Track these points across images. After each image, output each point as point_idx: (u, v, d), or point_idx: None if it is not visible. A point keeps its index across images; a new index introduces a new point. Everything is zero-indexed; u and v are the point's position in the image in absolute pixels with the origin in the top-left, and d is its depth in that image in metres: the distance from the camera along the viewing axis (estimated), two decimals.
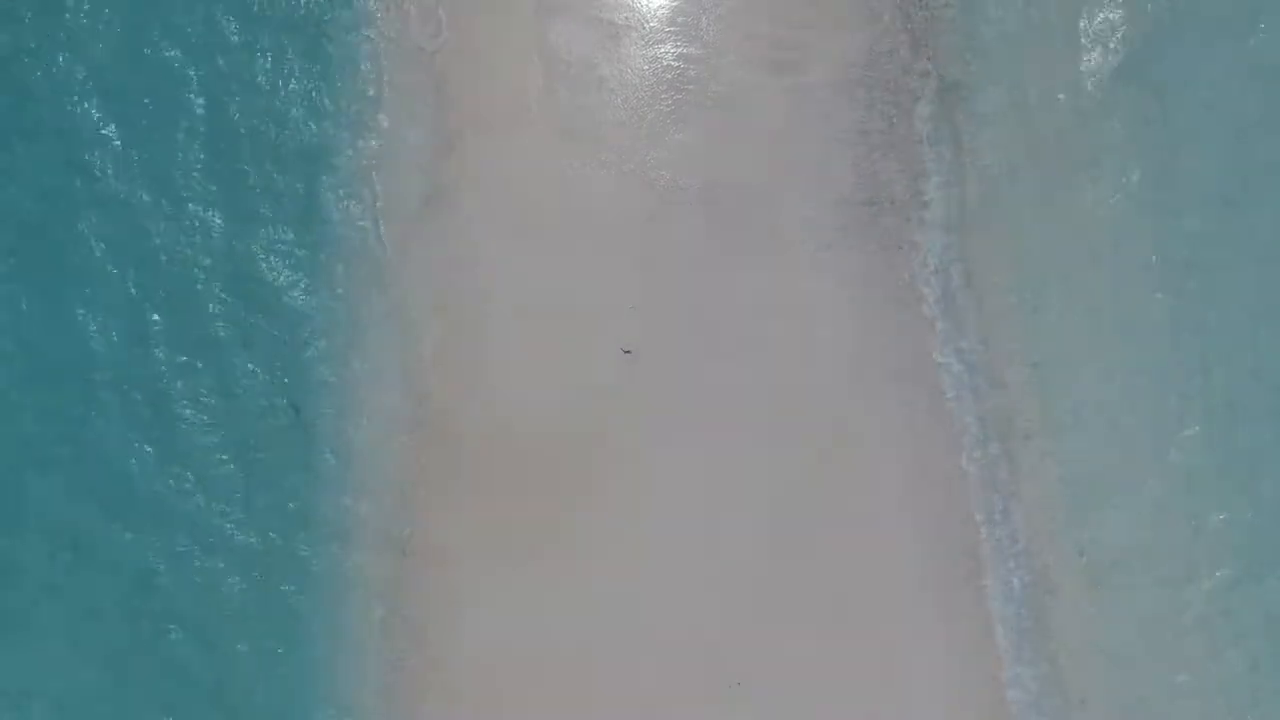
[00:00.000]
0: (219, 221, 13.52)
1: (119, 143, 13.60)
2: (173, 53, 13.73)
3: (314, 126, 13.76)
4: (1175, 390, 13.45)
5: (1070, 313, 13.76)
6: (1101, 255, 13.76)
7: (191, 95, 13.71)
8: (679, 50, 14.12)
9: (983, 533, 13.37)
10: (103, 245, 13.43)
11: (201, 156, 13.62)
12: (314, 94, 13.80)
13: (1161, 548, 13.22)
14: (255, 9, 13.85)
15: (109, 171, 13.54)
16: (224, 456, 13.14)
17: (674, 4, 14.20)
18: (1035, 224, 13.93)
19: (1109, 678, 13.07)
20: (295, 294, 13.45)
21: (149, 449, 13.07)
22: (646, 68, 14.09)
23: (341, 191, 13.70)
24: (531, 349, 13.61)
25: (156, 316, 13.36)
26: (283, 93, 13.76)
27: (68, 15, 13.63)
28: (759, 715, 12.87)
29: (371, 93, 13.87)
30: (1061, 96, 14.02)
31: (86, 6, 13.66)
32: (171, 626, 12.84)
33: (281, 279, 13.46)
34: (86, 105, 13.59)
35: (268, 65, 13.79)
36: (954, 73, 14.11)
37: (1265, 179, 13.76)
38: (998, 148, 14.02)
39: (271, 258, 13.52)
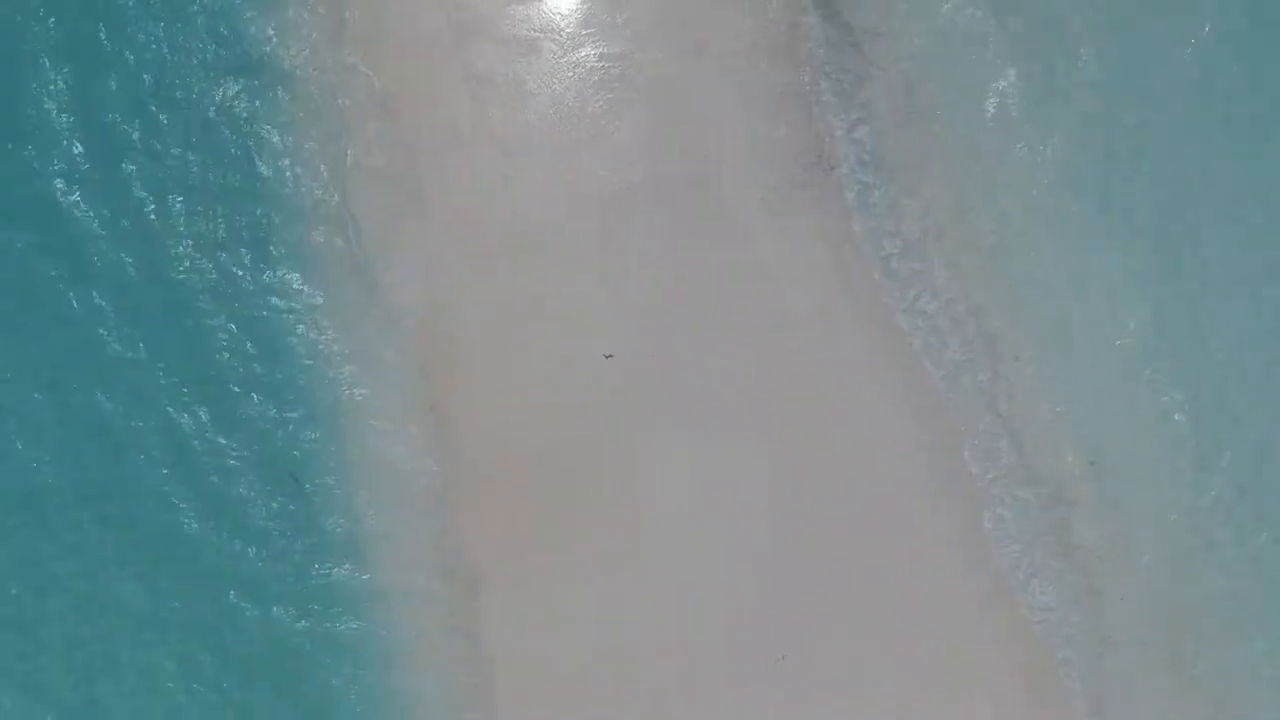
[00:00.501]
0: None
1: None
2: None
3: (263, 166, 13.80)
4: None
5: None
6: (1043, 168, 13.86)
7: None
8: (599, 50, 14.14)
9: (983, 469, 13.59)
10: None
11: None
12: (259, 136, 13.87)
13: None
14: (196, 65, 13.79)
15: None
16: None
17: (585, 6, 14.23)
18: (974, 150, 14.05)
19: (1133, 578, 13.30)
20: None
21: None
22: (571, 74, 14.12)
23: (305, 230, 13.76)
24: (519, 368, 13.70)
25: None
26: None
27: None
28: (805, 685, 13.05)
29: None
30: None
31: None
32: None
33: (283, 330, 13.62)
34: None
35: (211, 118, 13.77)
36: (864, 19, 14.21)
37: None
38: (915, 80, 14.12)
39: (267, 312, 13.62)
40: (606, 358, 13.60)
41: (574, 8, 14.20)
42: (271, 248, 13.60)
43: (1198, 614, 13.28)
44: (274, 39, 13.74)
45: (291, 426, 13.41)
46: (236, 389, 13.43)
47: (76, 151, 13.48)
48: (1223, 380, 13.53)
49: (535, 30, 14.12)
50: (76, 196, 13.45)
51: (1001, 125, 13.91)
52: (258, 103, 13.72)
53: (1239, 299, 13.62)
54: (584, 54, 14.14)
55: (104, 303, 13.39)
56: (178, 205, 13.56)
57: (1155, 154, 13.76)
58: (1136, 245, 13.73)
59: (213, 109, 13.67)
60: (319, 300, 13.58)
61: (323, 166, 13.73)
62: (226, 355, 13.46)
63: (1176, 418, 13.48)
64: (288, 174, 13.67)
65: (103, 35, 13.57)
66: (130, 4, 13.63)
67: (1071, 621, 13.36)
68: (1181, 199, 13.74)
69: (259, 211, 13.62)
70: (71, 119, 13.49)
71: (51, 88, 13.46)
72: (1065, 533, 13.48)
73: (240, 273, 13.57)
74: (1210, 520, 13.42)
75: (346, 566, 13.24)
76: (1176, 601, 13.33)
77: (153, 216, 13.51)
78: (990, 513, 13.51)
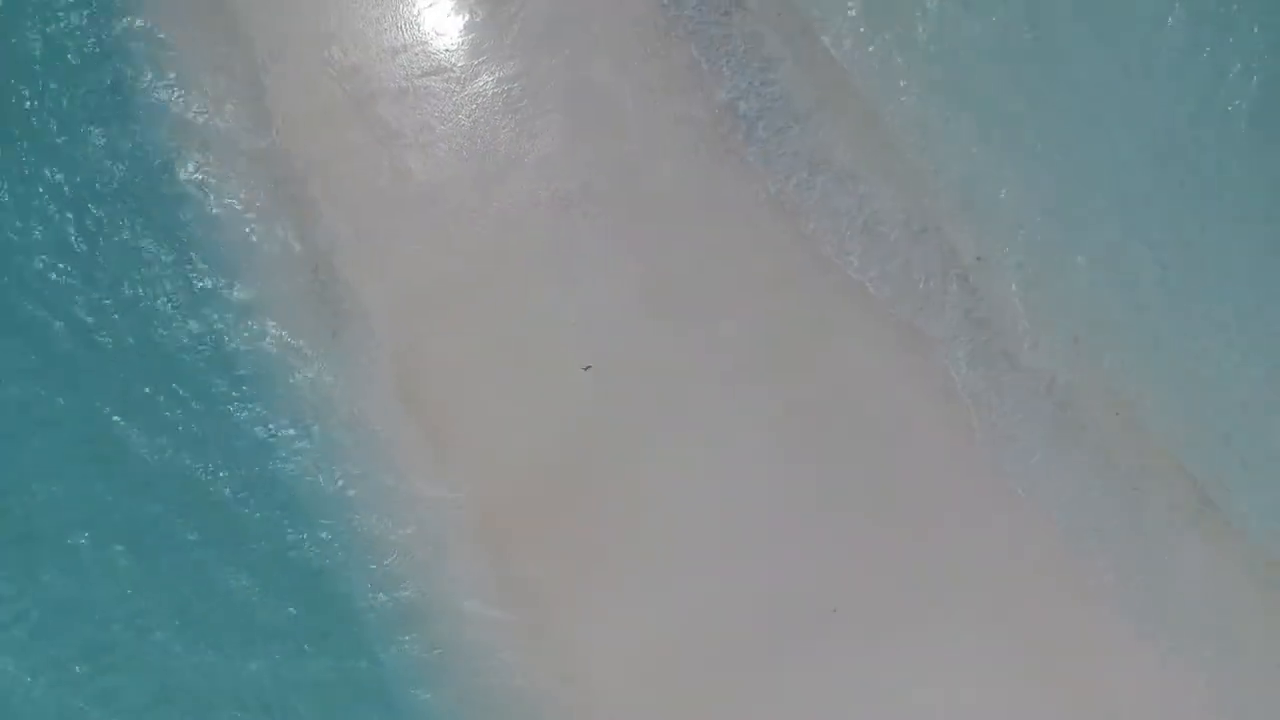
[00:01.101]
0: None
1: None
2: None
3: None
4: None
5: None
6: None
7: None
8: (495, 76, 14.20)
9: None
10: None
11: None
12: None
13: None
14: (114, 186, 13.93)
15: None
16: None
17: (469, 37, 14.28)
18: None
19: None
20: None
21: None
22: (475, 105, 14.16)
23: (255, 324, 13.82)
24: (504, 403, 13.72)
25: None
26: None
27: None
28: (861, 633, 13.14)
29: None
30: None
31: None
32: None
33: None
34: None
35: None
36: None
37: None
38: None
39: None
40: (585, 369, 13.67)
41: (459, 42, 14.27)
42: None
43: None
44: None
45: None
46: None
47: None
48: None
49: (427, 74, 14.19)
50: None
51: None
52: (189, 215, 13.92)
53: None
54: (482, 83, 14.21)
55: None
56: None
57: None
58: None
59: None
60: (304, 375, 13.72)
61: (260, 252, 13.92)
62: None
63: None
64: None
65: None
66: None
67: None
68: None
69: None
70: None
71: None
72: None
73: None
74: None
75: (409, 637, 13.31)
76: None
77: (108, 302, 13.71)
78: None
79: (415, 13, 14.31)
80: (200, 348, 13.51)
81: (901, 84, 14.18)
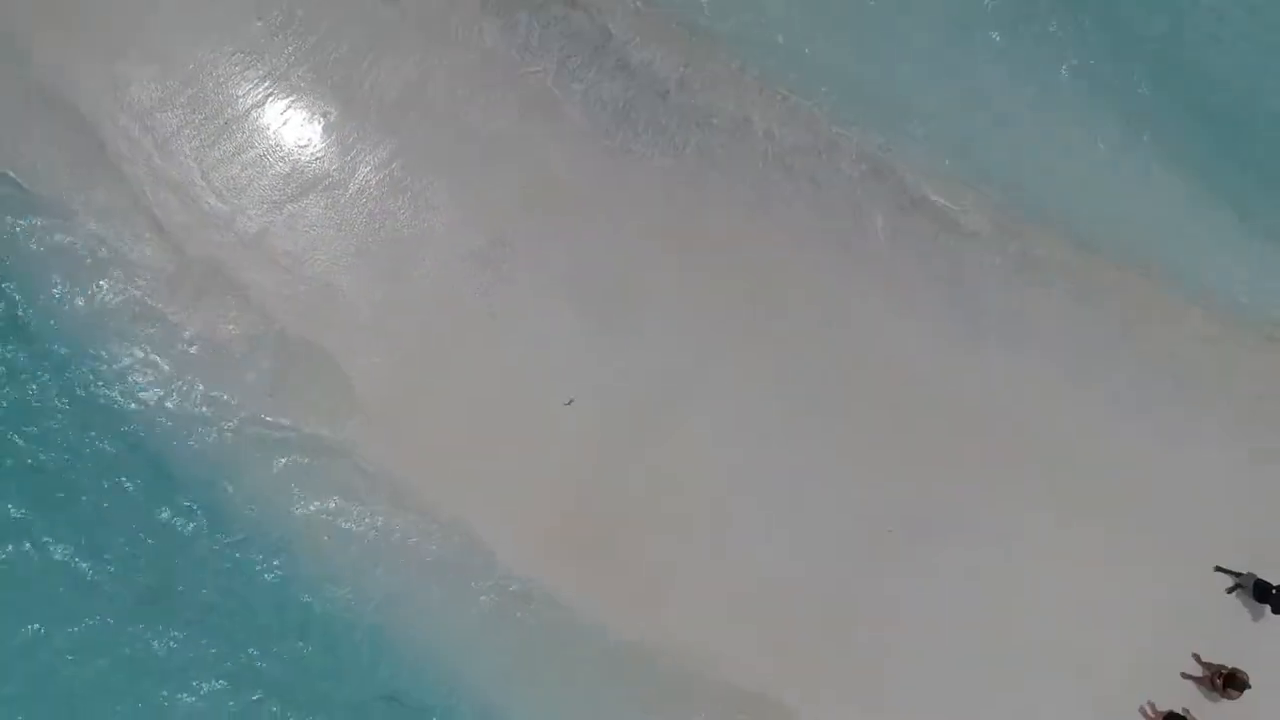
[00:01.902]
0: None
1: None
2: None
3: None
4: None
5: None
6: None
7: None
8: (372, 164, 14.21)
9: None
10: None
11: None
12: None
13: None
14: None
15: None
16: None
17: (332, 137, 14.24)
18: None
19: None
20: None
21: None
22: (364, 201, 14.16)
23: None
24: (506, 462, 13.91)
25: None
26: None
27: None
28: (923, 548, 13.95)
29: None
30: None
31: None
32: None
33: None
34: None
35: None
36: None
37: None
38: None
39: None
40: (567, 404, 13.91)
41: (325, 147, 14.23)
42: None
43: None
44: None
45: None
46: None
47: None
48: None
49: (306, 192, 14.13)
50: None
51: None
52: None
53: None
54: (362, 178, 14.18)
55: None
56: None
57: None
58: None
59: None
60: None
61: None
62: None
63: None
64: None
65: None
66: None
67: None
68: None
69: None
70: None
71: None
72: None
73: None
74: None
75: None
76: None
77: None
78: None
79: (276, 138, 14.21)
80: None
81: None
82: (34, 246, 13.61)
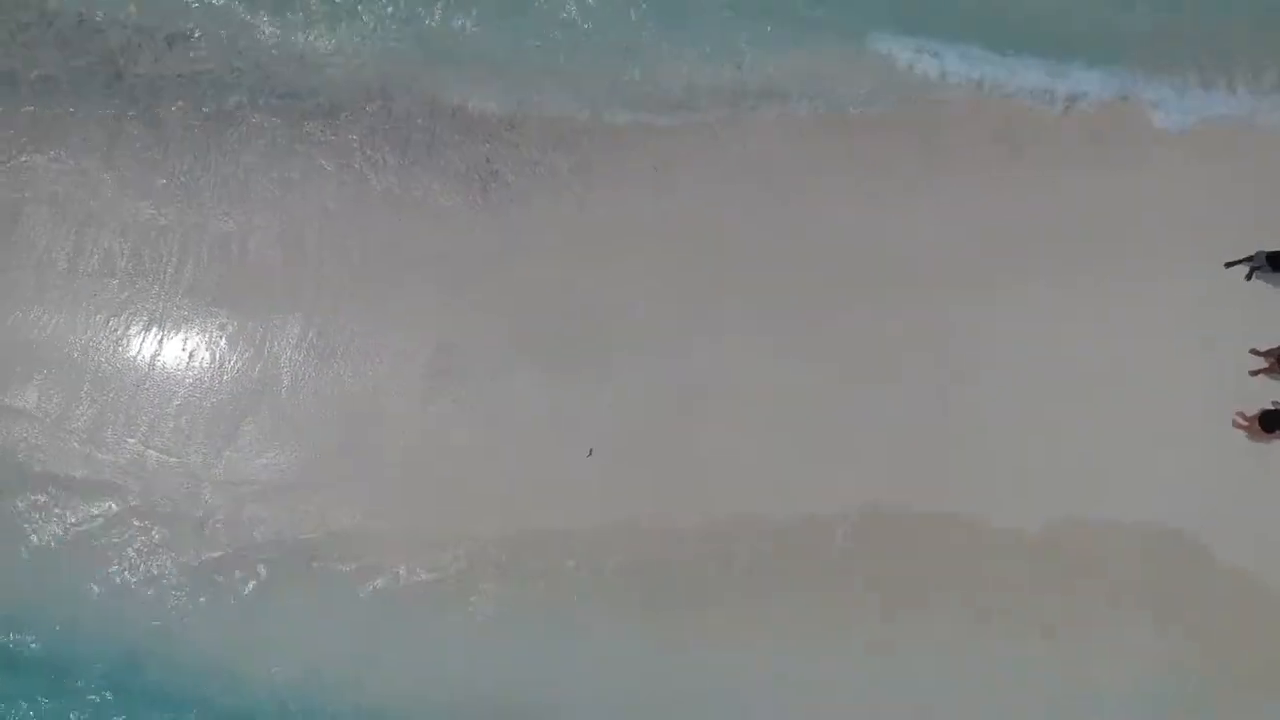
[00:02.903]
0: None
1: None
2: None
3: None
4: None
5: None
6: None
7: None
8: (290, 345, 13.97)
9: None
10: None
11: None
12: None
13: None
14: None
15: None
16: None
17: (245, 341, 13.99)
18: None
19: None
20: None
21: None
22: (303, 384, 13.92)
23: None
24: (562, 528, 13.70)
25: None
26: None
27: None
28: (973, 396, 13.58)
29: None
30: None
31: None
32: None
33: None
34: None
35: None
36: None
37: None
38: None
39: None
40: (589, 455, 13.76)
41: (240, 357, 13.99)
42: None
43: None
44: None
45: None
46: None
47: None
48: None
49: (245, 406, 13.85)
50: None
51: None
52: None
53: None
54: (287, 362, 13.92)
55: None
56: None
57: None
58: None
59: None
60: None
61: None
62: None
63: None
64: None
65: None
66: None
67: None
68: None
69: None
70: None
71: None
72: None
73: None
74: None
75: None
76: None
77: None
78: None
79: (192, 374, 13.98)
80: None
81: None
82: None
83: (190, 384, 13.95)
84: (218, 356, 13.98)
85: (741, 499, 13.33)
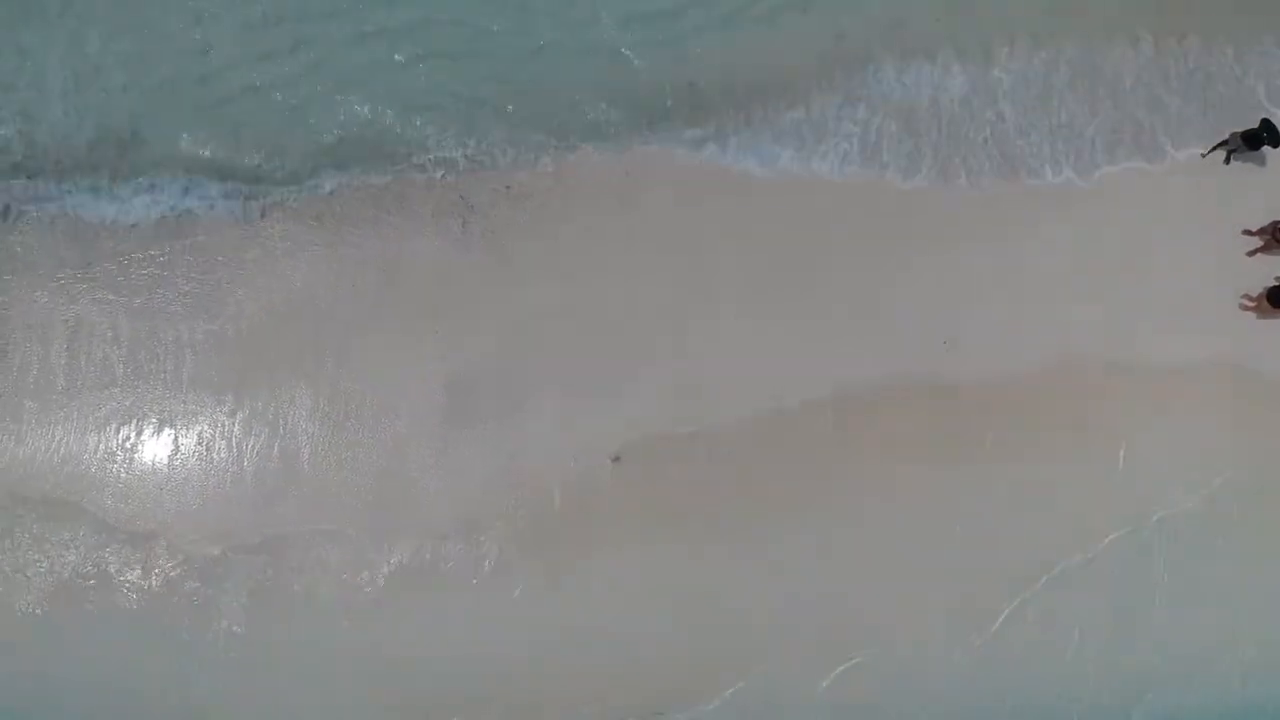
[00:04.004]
0: None
1: None
2: None
3: None
4: None
5: None
6: None
7: None
8: (304, 416, 13.81)
9: None
10: None
11: None
12: None
13: None
14: None
15: None
16: None
17: (257, 421, 13.80)
18: None
19: None
20: None
21: None
22: (323, 454, 13.75)
23: None
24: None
25: None
26: None
27: None
28: (978, 355, 14.36)
29: None
30: None
31: None
32: None
33: None
34: None
35: None
36: None
37: None
38: None
39: None
40: (615, 461, 13.75)
41: (257, 439, 13.78)
42: None
43: None
44: None
45: None
46: None
47: None
48: None
49: (273, 488, 13.63)
50: None
51: None
52: None
53: None
54: (303, 433, 13.73)
55: None
56: None
57: None
58: None
59: None
60: None
61: None
62: None
63: None
64: None
65: None
66: None
67: None
68: None
69: None
70: None
71: None
72: None
73: None
74: None
75: None
76: None
77: None
78: None
79: (215, 464, 13.69)
80: None
81: None
82: None
83: (214, 474, 13.66)
84: (235, 442, 13.70)
85: None
